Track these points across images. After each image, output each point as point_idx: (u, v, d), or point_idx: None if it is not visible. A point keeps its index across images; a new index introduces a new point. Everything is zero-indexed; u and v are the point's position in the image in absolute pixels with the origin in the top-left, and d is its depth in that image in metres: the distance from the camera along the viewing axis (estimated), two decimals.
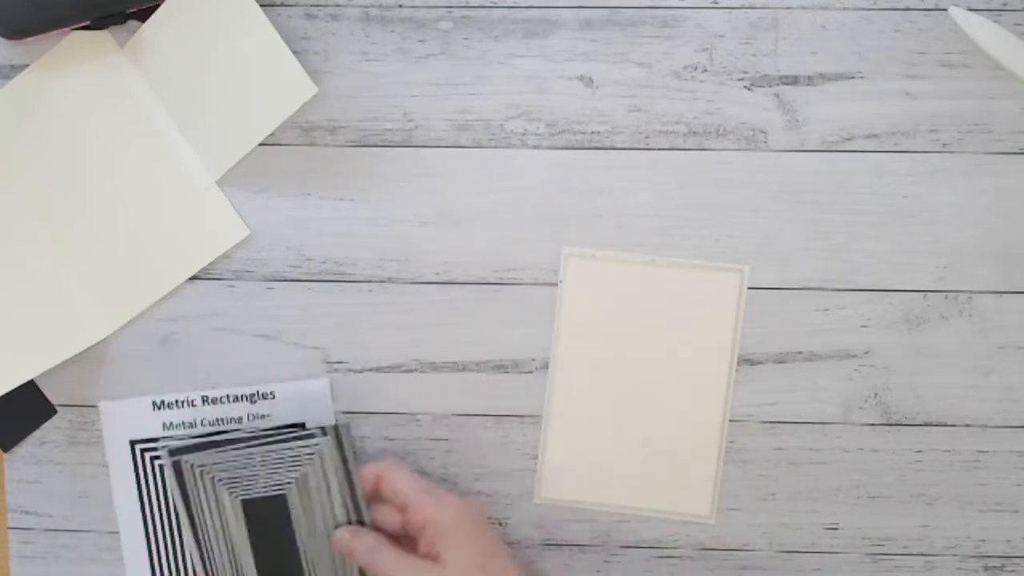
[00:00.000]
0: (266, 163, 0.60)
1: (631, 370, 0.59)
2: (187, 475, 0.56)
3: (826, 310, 0.59)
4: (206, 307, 0.60)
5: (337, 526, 0.57)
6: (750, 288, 0.59)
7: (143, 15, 0.58)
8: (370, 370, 0.60)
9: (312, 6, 0.59)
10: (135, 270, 0.60)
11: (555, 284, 0.59)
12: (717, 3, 0.58)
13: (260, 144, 0.59)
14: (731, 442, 0.59)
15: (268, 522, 0.56)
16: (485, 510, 0.60)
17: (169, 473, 0.56)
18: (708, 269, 0.59)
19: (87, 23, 0.58)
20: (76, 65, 0.59)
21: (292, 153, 0.60)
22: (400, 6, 0.59)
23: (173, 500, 0.59)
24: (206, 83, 0.58)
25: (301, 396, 0.60)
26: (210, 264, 0.60)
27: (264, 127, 0.58)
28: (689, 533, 0.60)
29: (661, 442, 0.59)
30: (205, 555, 0.57)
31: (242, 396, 0.60)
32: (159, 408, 0.60)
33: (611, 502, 0.60)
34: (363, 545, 0.56)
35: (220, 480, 0.56)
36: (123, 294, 0.60)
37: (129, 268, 0.60)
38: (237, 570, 0.56)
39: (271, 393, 0.60)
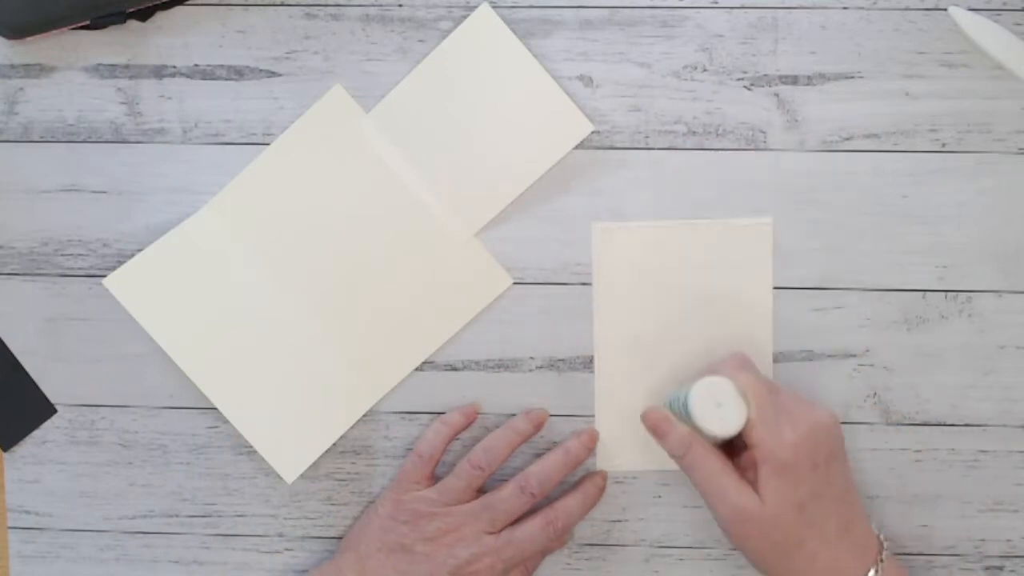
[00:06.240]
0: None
1: (675, 327, 0.59)
2: None
3: (826, 310, 0.59)
4: None
5: None
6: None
7: (142, 15, 0.58)
8: None
9: (312, 6, 0.59)
10: (401, 335, 0.59)
11: (555, 284, 0.59)
12: (717, 3, 0.58)
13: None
14: None
15: None
16: (840, 434, 0.53)
17: None
18: (734, 227, 0.58)
19: (87, 23, 0.58)
20: (321, 135, 0.58)
21: None
22: (400, 6, 0.59)
23: None
24: (461, 141, 0.58)
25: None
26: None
27: (532, 173, 0.58)
28: (689, 532, 0.60)
29: None
30: None
31: None
32: None
33: (669, 466, 0.58)
34: (677, 434, 0.52)
35: None
36: (392, 357, 0.59)
37: (396, 333, 0.59)
38: None
39: None
